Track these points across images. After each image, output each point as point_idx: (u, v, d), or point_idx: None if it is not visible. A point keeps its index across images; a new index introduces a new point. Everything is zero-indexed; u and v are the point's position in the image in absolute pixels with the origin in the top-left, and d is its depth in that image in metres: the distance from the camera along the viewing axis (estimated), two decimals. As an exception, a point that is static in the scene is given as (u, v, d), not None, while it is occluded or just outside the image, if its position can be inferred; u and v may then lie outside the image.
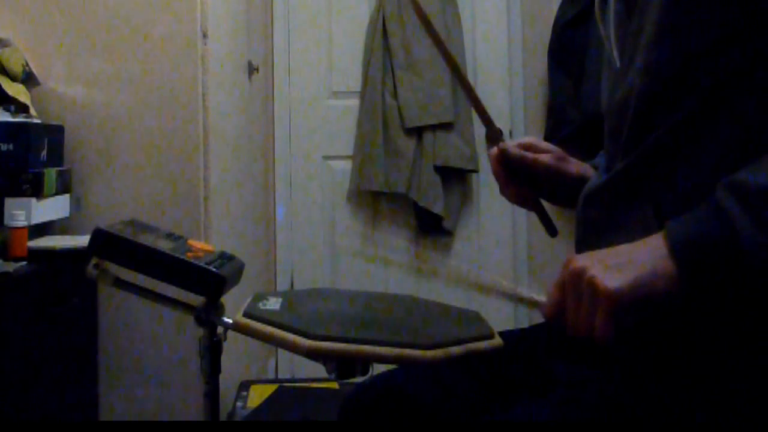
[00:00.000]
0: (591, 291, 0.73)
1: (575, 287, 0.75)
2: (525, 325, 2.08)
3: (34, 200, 1.81)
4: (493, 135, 1.07)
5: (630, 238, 0.77)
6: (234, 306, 1.06)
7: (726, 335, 0.78)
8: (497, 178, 1.07)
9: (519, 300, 0.87)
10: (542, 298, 0.82)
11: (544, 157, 1.04)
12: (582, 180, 1.01)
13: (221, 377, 1.22)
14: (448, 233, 3.02)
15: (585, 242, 0.92)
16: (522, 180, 1.06)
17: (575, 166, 1.05)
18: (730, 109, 0.78)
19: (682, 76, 0.81)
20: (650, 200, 0.83)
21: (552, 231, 1.09)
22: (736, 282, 0.71)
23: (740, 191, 0.71)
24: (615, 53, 0.90)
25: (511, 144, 1.06)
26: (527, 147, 1.06)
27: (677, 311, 0.75)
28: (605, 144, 0.95)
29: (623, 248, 0.76)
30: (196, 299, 1.20)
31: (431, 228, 2.98)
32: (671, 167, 0.82)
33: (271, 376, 2.97)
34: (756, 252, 0.69)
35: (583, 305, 0.74)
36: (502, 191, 1.09)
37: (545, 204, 1.10)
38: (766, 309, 0.75)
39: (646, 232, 0.76)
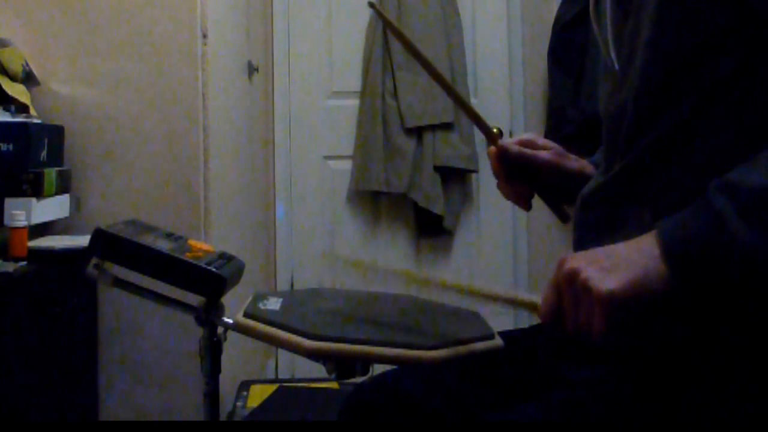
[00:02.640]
0: (586, 293, 0.73)
1: (570, 289, 0.75)
2: (525, 325, 2.08)
3: (34, 200, 1.81)
4: (492, 134, 1.07)
5: (628, 240, 0.77)
6: (234, 306, 1.06)
7: (726, 335, 0.78)
8: (497, 176, 1.07)
9: (515, 303, 0.86)
10: (538, 299, 0.82)
11: (544, 154, 1.04)
12: (582, 175, 1.01)
13: (221, 377, 1.22)
14: (448, 233, 3.02)
15: (583, 244, 0.92)
16: (522, 177, 1.06)
17: (575, 161, 1.05)
18: (728, 110, 0.78)
19: (679, 77, 0.81)
20: (648, 202, 0.83)
21: (564, 217, 1.08)
22: (730, 281, 0.71)
23: (732, 191, 0.71)
24: (612, 55, 0.90)
25: (510, 141, 1.05)
26: (527, 144, 1.06)
27: (675, 311, 0.75)
28: (603, 146, 0.95)
29: (616, 248, 0.76)
30: (196, 299, 1.20)
31: (431, 228, 2.98)
32: (669, 169, 0.82)
33: (271, 376, 2.97)
34: (749, 251, 0.69)
35: (580, 307, 0.75)
36: (500, 187, 1.08)
37: (539, 203, 1.09)
38: (761, 307, 0.76)
39: (643, 234, 0.76)
